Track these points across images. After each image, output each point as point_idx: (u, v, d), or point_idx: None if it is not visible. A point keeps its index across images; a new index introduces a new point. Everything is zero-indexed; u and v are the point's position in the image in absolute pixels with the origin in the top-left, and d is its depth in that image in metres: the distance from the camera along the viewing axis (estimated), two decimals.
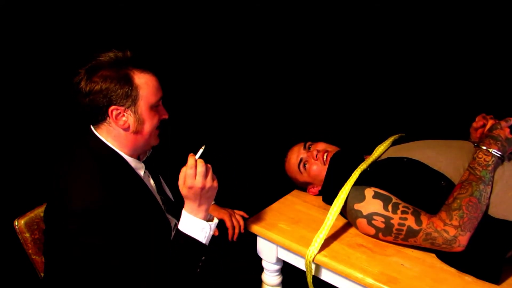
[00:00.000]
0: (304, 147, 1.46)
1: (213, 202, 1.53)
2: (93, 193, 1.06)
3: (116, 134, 1.13)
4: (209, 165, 1.10)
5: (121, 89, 1.08)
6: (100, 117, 1.12)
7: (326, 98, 2.15)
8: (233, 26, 2.15)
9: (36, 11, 1.71)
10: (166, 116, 1.19)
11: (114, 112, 1.10)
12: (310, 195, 1.49)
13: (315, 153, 1.42)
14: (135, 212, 1.11)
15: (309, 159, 1.43)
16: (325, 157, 1.40)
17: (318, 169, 1.40)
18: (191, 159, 1.09)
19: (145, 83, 1.11)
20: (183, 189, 1.09)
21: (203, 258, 1.14)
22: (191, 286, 1.18)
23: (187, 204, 1.11)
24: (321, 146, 1.45)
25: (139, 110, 1.11)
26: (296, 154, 1.47)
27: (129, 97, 1.09)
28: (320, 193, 1.45)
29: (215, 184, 1.11)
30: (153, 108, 1.14)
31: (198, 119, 2.27)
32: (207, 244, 1.13)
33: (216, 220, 1.16)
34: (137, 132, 1.14)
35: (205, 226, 1.12)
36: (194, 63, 2.20)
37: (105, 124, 1.13)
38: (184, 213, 1.12)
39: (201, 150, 1.14)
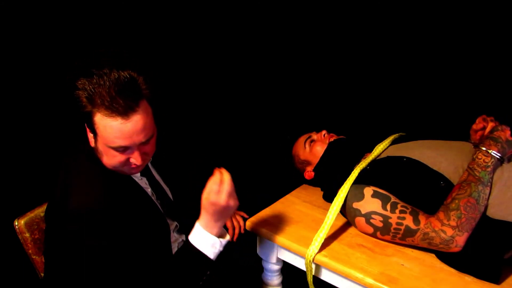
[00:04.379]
0: (318, 132, 1.51)
1: None
2: (93, 194, 1.06)
3: (92, 146, 1.12)
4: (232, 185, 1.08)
5: (85, 115, 1.03)
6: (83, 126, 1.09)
7: (327, 98, 2.15)
8: (234, 23, 2.15)
9: (38, 11, 1.71)
10: (136, 163, 1.08)
11: (87, 128, 1.08)
12: (310, 195, 1.49)
13: (323, 133, 1.48)
14: (134, 213, 1.11)
15: (317, 140, 1.47)
16: (330, 139, 1.45)
17: (321, 150, 1.43)
18: (217, 175, 1.07)
19: (102, 126, 1.02)
20: (205, 202, 1.07)
21: (208, 272, 1.13)
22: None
23: (204, 217, 1.09)
24: (332, 134, 1.49)
25: (97, 143, 1.07)
26: (308, 134, 1.52)
27: (90, 127, 1.05)
28: (313, 170, 1.46)
29: (237, 203, 1.10)
30: (112, 149, 1.06)
31: (198, 119, 2.27)
32: (215, 260, 1.11)
33: (228, 237, 1.15)
34: (100, 158, 1.10)
35: (216, 242, 1.10)
36: (195, 61, 2.20)
37: None
38: (198, 226, 1.11)
39: None
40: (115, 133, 1.02)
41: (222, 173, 1.08)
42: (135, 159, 1.08)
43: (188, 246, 1.10)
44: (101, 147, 1.07)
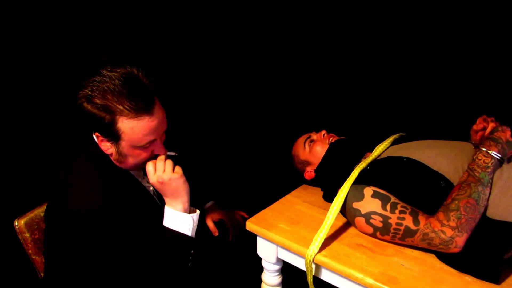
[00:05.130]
0: (317, 132, 1.51)
1: (213, 202, 1.53)
2: (93, 194, 1.06)
3: (109, 154, 1.13)
4: (169, 161, 1.12)
5: (103, 125, 1.03)
6: (89, 134, 1.10)
7: (327, 98, 2.15)
8: (235, 23, 2.15)
9: (40, 12, 1.71)
10: (161, 153, 1.13)
11: (99, 138, 1.08)
12: (310, 195, 1.49)
13: (323, 133, 1.48)
14: (135, 214, 1.11)
15: (317, 140, 1.47)
16: (330, 139, 1.45)
17: (321, 150, 1.43)
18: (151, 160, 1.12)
19: (130, 129, 1.03)
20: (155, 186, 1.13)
21: (192, 251, 1.14)
22: (190, 286, 1.19)
23: (165, 199, 1.15)
24: (332, 134, 1.49)
25: (120, 147, 1.08)
26: (308, 134, 1.52)
27: (110, 135, 1.05)
28: (314, 171, 1.46)
29: (174, 175, 1.11)
30: (140, 148, 1.08)
31: (198, 119, 2.27)
32: (193, 236, 1.14)
33: (198, 212, 1.18)
34: (120, 162, 1.12)
35: (187, 219, 1.13)
36: (195, 61, 2.20)
37: None
38: (165, 208, 1.14)
39: (171, 153, 1.16)
40: (144, 131, 1.04)
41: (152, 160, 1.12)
42: (159, 149, 1.12)
43: (164, 231, 1.13)
44: (125, 150, 1.08)
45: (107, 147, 1.09)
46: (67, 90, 1.03)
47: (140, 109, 1.01)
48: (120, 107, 1.00)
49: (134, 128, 1.03)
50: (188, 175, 1.15)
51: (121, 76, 1.00)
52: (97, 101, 1.00)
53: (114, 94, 1.00)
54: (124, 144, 1.06)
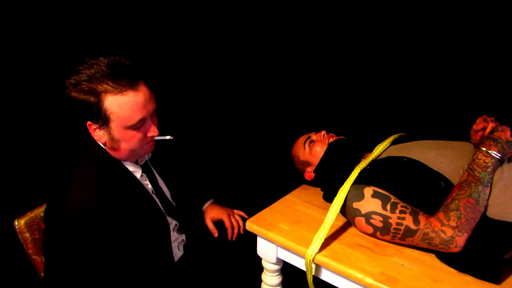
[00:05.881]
0: (317, 132, 1.51)
1: (212, 201, 1.53)
2: (89, 194, 1.06)
3: (103, 143, 1.13)
4: None
5: (92, 108, 1.05)
6: (83, 126, 1.11)
7: (326, 98, 2.15)
8: (234, 23, 2.15)
9: (38, 11, 1.71)
10: (154, 133, 1.14)
11: (92, 126, 1.09)
12: (310, 195, 1.49)
13: (323, 133, 1.48)
14: (132, 213, 1.11)
15: (317, 140, 1.47)
16: (330, 139, 1.46)
17: (321, 150, 1.44)
18: None
19: (117, 107, 1.05)
20: None
21: None
22: (190, 286, 1.19)
23: None
24: (332, 134, 1.49)
25: (111, 131, 1.09)
26: (308, 135, 1.52)
27: (100, 118, 1.06)
28: (313, 171, 1.46)
29: None
30: (131, 128, 1.09)
31: (198, 118, 2.27)
32: None
33: None
34: (114, 149, 1.12)
35: None
36: (195, 61, 2.20)
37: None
38: None
39: (166, 137, 1.15)
40: (132, 107, 1.06)
41: None
42: (152, 130, 1.12)
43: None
44: (117, 134, 1.09)
45: (100, 136, 1.10)
46: (64, 99, 1.06)
47: (124, 85, 1.04)
48: (105, 85, 1.03)
49: (121, 105, 1.05)
50: (184, 160, 1.14)
51: (105, 60, 1.05)
52: (83, 86, 1.03)
53: (98, 76, 1.03)
54: (114, 126, 1.07)
